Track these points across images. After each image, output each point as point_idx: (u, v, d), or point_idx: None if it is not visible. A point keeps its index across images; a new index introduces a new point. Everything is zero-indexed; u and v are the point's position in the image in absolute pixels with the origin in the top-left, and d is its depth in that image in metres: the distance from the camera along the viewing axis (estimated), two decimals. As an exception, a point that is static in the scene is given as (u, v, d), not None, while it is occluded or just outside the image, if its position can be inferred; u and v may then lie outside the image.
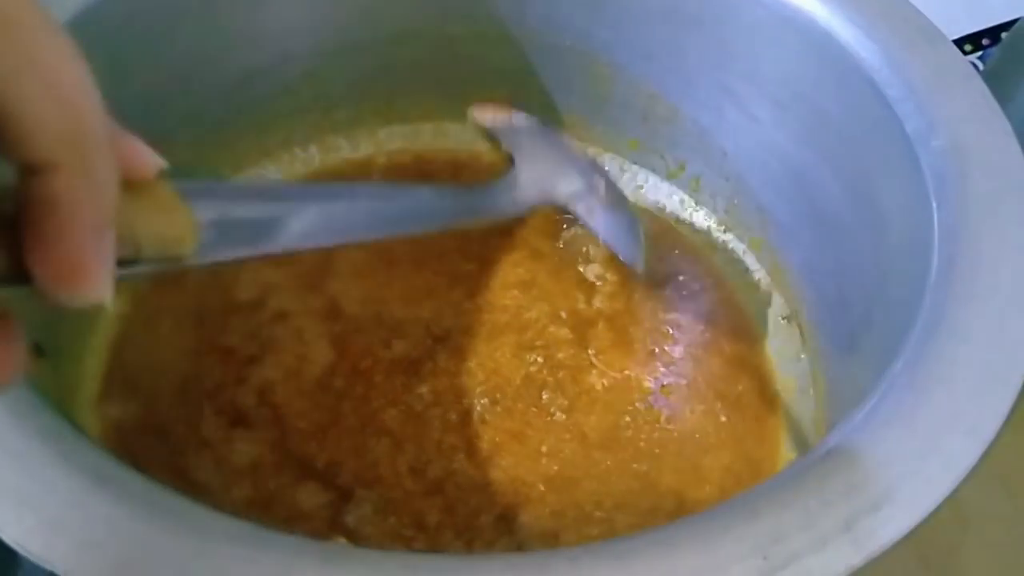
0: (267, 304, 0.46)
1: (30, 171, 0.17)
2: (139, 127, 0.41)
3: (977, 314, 0.30)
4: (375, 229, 0.34)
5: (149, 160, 0.21)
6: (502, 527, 0.40)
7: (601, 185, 0.45)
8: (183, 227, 0.22)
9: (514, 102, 0.52)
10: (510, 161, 0.45)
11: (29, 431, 0.25)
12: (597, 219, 0.46)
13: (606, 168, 0.50)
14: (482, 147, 0.54)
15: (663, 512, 0.41)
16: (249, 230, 0.26)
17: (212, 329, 0.44)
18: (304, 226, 0.28)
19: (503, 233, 0.49)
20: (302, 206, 0.29)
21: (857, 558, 0.25)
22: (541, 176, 0.43)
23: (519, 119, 0.45)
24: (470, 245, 0.48)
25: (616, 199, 0.46)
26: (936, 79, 0.38)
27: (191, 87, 0.45)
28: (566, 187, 0.45)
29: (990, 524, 0.49)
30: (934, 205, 0.34)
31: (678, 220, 0.52)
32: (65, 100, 0.17)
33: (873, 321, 0.38)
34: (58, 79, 0.17)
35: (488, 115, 0.45)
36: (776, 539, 0.25)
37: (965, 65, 0.39)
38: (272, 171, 0.51)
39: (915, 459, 0.27)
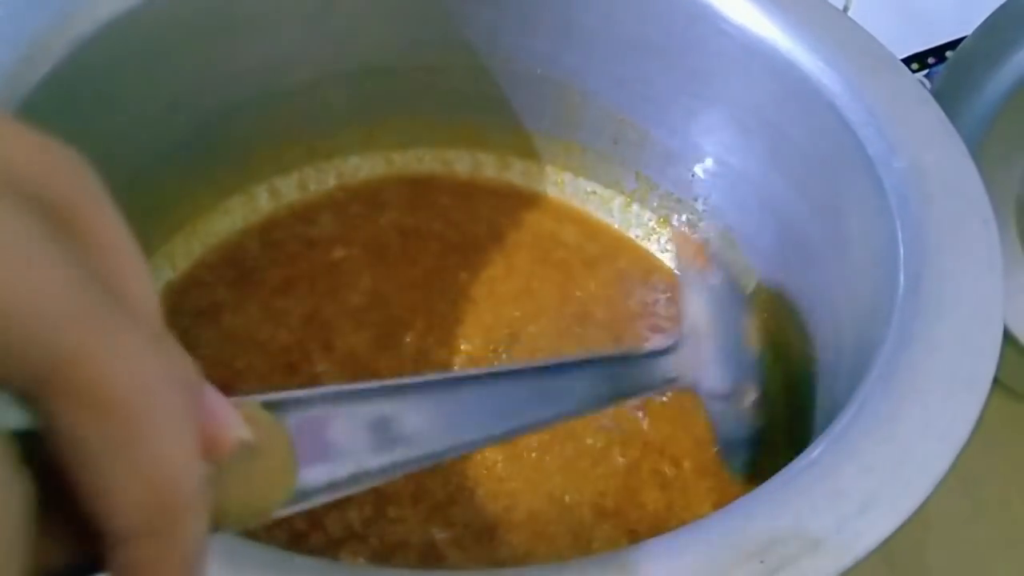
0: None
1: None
2: (127, 156, 0.43)
3: (944, 327, 0.32)
4: (507, 426, 0.27)
5: (230, 432, 0.17)
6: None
7: (749, 394, 0.42)
8: (276, 476, 0.18)
9: (487, 129, 0.55)
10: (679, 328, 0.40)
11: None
12: (723, 420, 0.43)
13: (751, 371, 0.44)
14: (458, 168, 0.56)
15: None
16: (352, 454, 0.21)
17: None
18: (419, 432, 0.23)
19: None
20: (415, 403, 0.23)
21: (847, 559, 0.26)
22: (699, 359, 0.39)
23: (715, 276, 0.43)
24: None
25: (751, 410, 0.43)
26: (895, 104, 0.40)
27: (177, 119, 0.46)
28: (716, 383, 0.40)
29: (952, 524, 0.51)
30: (898, 224, 0.36)
31: (648, 239, 0.54)
32: (157, 480, 0.15)
33: (843, 335, 0.40)
34: (154, 459, 0.15)
35: (688, 259, 0.42)
36: (771, 544, 0.26)
37: (921, 90, 0.41)
38: (256, 198, 0.52)
39: (894, 465, 0.29)
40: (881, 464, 0.29)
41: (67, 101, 0.39)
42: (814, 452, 0.29)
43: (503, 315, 0.50)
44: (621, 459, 0.44)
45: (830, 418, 0.32)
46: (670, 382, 0.38)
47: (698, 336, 0.39)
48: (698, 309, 0.40)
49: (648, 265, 0.54)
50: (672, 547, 0.27)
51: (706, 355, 0.39)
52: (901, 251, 0.35)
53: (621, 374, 0.35)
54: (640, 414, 0.46)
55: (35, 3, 0.39)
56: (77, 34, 0.39)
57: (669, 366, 0.38)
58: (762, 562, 0.26)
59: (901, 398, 0.30)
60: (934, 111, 0.40)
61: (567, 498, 0.43)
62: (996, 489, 0.53)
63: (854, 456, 0.29)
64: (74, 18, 0.40)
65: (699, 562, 0.26)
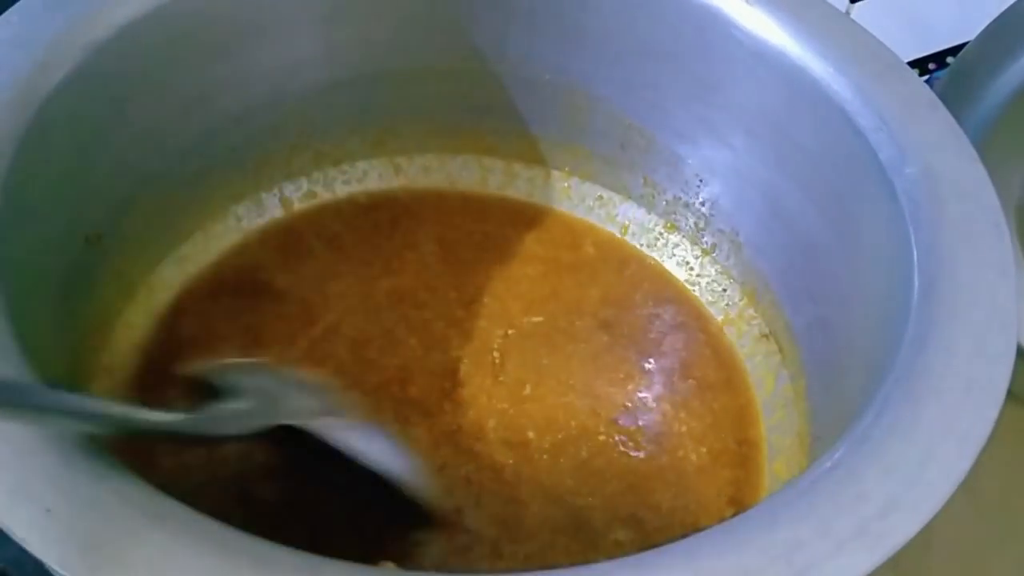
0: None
1: None
2: (139, 161, 0.43)
3: (961, 330, 0.32)
4: None
5: None
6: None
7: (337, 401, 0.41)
8: None
9: (494, 135, 0.55)
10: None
11: (87, 475, 0.26)
12: (342, 434, 0.39)
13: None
14: (464, 174, 0.56)
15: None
16: None
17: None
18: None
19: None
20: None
21: (871, 561, 0.27)
22: (262, 399, 0.37)
23: (225, 361, 0.41)
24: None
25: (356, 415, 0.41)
26: (905, 109, 0.40)
27: (187, 127, 0.46)
28: (296, 404, 0.39)
29: (955, 528, 0.51)
30: (911, 229, 0.37)
31: (654, 245, 0.54)
32: None
33: (854, 339, 0.41)
34: None
35: (192, 367, 0.39)
36: (797, 546, 0.27)
37: (931, 95, 0.41)
38: (266, 204, 0.52)
39: (916, 467, 0.29)
40: (902, 466, 0.29)
41: (81, 107, 0.39)
42: (835, 455, 0.30)
43: (507, 315, 0.50)
44: (635, 455, 0.45)
45: (842, 422, 0.33)
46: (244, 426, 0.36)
47: (247, 390, 0.37)
48: (231, 378, 0.38)
49: (654, 271, 0.54)
50: (698, 549, 0.27)
51: (265, 394, 0.38)
52: (915, 255, 0.36)
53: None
54: (656, 404, 0.47)
55: (50, 9, 0.40)
56: (91, 40, 0.40)
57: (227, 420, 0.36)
58: (788, 564, 0.26)
59: (920, 401, 0.31)
60: (944, 116, 0.40)
61: (579, 502, 0.43)
62: (998, 492, 0.54)
63: (875, 458, 0.29)
64: (88, 24, 0.40)
65: (727, 564, 0.26)
